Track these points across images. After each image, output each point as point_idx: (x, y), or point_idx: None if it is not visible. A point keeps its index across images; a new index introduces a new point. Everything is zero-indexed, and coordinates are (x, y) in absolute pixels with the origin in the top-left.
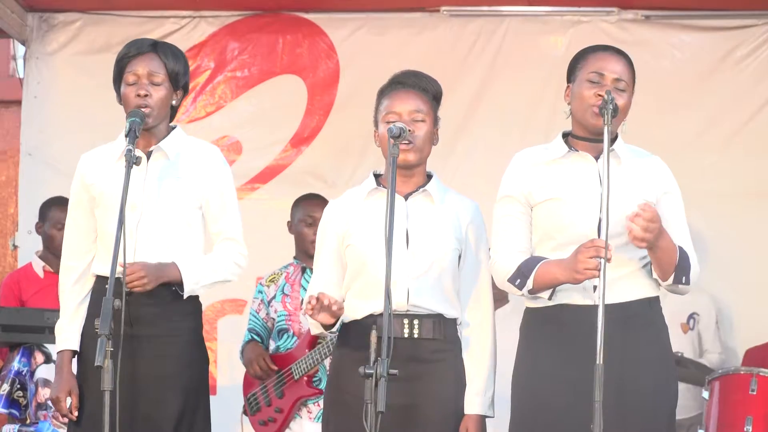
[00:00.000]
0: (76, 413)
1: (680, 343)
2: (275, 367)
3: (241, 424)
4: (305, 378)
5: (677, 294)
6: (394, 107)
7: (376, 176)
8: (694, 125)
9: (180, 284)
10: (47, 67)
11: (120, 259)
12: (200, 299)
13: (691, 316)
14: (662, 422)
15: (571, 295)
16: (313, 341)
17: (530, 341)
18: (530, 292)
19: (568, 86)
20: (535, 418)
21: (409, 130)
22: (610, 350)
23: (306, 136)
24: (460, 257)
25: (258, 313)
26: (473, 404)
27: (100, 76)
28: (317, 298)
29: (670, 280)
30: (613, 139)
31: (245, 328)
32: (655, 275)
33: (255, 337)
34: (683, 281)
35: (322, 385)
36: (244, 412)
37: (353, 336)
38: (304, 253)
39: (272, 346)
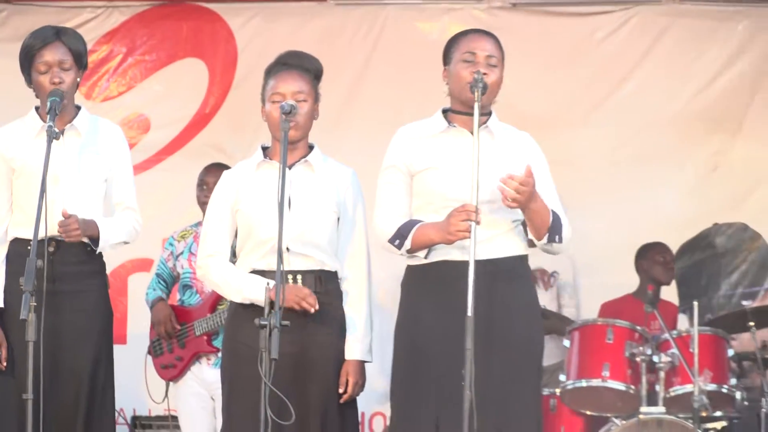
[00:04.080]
0: (4, 364)
1: (542, 298)
2: (179, 327)
3: (144, 363)
4: (205, 336)
5: (551, 253)
6: (279, 88)
7: (264, 149)
8: (558, 101)
9: (95, 240)
10: None
11: (42, 224)
12: (110, 259)
13: (551, 274)
14: (533, 366)
15: (450, 252)
16: (214, 304)
17: (411, 295)
18: (408, 251)
19: (445, 68)
20: (416, 369)
21: None
22: (484, 301)
23: (207, 112)
24: (339, 219)
25: (167, 262)
26: (353, 350)
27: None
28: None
29: (545, 239)
30: (488, 114)
31: (146, 284)
32: (530, 236)
33: (161, 284)
34: (556, 240)
35: (218, 342)
36: (149, 352)
37: None
38: None
39: (177, 297)
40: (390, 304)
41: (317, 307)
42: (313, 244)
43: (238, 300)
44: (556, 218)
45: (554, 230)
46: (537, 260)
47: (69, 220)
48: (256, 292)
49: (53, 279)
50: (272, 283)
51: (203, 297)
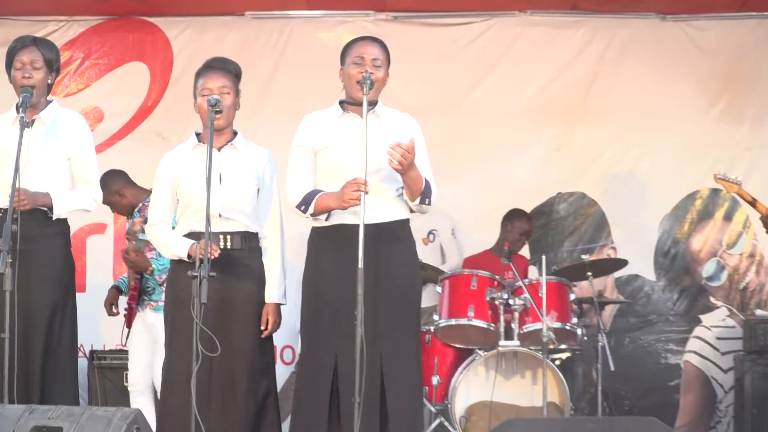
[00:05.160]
0: None
1: (426, 253)
2: (115, 311)
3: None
4: (132, 293)
5: (422, 213)
6: (207, 84)
7: (197, 134)
8: (432, 94)
9: (51, 208)
10: None
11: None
12: (72, 223)
13: (431, 232)
14: (412, 308)
15: (345, 217)
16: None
17: (315, 251)
18: (312, 215)
19: (341, 69)
20: (319, 310)
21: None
22: (373, 257)
23: (150, 105)
24: (259, 190)
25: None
26: (271, 295)
27: (1, 64)
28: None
29: (417, 201)
30: (376, 103)
31: (105, 242)
32: (406, 197)
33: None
34: (426, 202)
35: (155, 296)
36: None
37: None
38: None
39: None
40: (298, 258)
41: (215, 255)
42: (239, 211)
43: (168, 255)
44: (428, 185)
45: (425, 195)
46: (419, 221)
47: (17, 193)
48: (179, 249)
49: (25, 240)
50: (190, 242)
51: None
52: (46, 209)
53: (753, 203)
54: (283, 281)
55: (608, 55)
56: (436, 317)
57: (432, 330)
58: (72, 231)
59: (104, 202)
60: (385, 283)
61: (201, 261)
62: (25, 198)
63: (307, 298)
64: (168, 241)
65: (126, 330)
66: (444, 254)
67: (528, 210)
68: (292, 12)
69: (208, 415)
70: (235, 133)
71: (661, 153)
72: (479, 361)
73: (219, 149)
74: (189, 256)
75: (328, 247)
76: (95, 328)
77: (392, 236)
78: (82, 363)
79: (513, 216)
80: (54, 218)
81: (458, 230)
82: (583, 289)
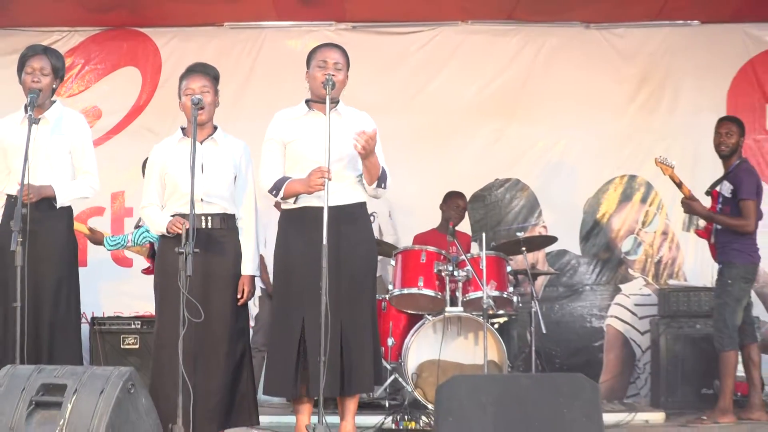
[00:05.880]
0: None
1: None
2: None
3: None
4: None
5: (377, 197)
6: (190, 85)
7: (182, 129)
8: (386, 94)
9: (54, 198)
10: None
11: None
12: (75, 207)
13: (371, 214)
14: (369, 280)
15: (310, 200)
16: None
17: (285, 231)
18: (282, 198)
19: (306, 72)
20: (288, 282)
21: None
22: (335, 234)
23: (141, 104)
24: (236, 177)
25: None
26: (247, 268)
27: (12, 69)
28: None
29: (375, 185)
30: (338, 102)
31: (104, 223)
32: (364, 182)
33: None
34: (382, 186)
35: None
36: None
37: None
38: None
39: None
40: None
41: (177, 230)
42: (218, 196)
43: (154, 230)
44: (383, 172)
45: (381, 179)
46: None
47: (24, 188)
48: (161, 226)
49: (33, 222)
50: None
51: None
52: (50, 199)
53: (680, 185)
54: (257, 255)
55: (539, 58)
56: (390, 287)
57: (387, 298)
58: (75, 213)
59: None
60: (345, 258)
61: (186, 239)
62: (32, 193)
63: (277, 271)
64: (154, 219)
65: None
66: (382, 233)
67: (469, 194)
68: (265, 23)
69: (194, 373)
70: (215, 128)
71: (586, 144)
72: (428, 325)
73: (201, 142)
74: (168, 231)
75: (296, 226)
76: (96, 297)
77: (352, 217)
78: (85, 328)
79: (447, 197)
80: (58, 207)
81: (399, 212)
82: (518, 262)
